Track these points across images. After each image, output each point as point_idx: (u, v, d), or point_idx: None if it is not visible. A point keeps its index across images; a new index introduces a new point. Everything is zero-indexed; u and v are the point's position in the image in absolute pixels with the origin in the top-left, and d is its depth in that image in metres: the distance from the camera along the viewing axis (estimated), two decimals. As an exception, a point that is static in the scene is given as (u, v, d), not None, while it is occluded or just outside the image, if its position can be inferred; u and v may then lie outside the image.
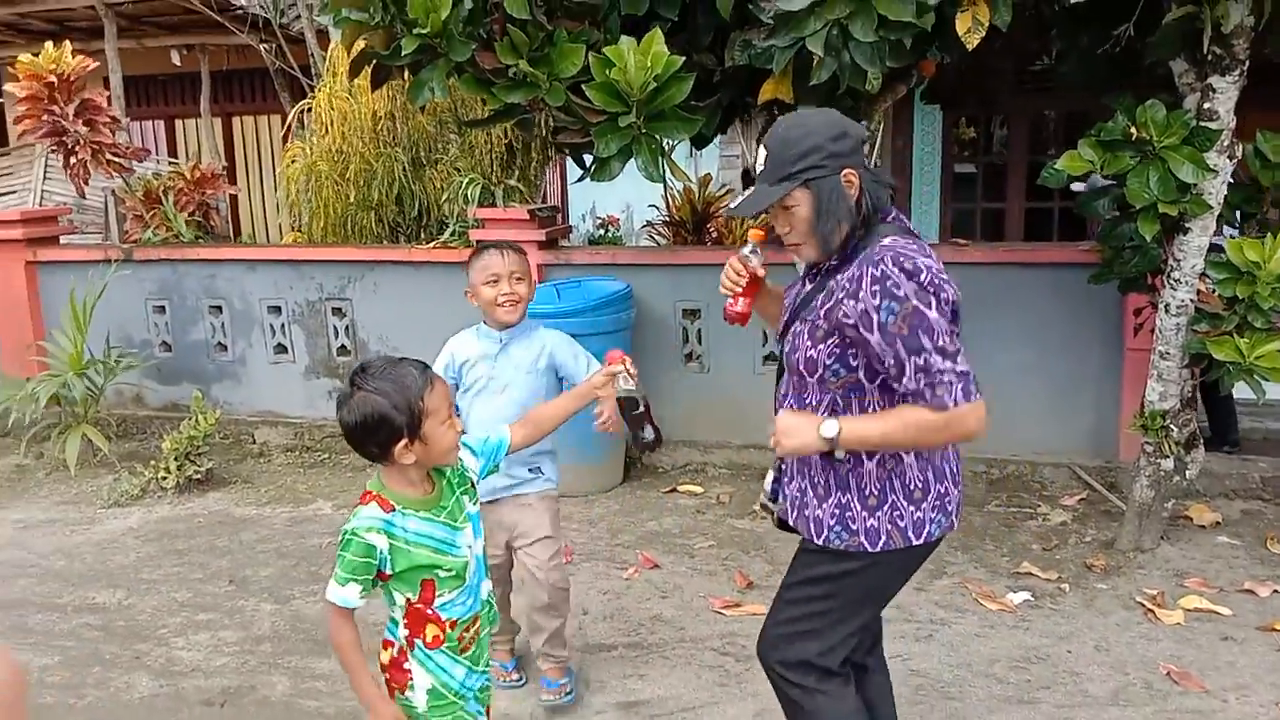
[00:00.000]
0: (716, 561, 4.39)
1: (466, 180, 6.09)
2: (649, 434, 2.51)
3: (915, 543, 2.19)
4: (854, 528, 2.19)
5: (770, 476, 2.45)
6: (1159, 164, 3.72)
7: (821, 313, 2.14)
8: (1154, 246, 4.02)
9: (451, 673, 2.16)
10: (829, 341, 2.13)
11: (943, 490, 2.21)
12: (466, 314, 3.17)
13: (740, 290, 2.34)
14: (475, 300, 3.11)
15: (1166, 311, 4.01)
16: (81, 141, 6.48)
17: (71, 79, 6.37)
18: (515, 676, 3.42)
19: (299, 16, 8.14)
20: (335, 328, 6.22)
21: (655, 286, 5.57)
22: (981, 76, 5.15)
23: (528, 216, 5.64)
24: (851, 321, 2.06)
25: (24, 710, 0.63)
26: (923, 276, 2.01)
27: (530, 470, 3.18)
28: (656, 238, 7.57)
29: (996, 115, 8.91)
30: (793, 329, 2.25)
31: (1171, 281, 3.97)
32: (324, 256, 6.25)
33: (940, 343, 2.01)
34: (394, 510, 2.07)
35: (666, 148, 3.65)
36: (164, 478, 5.40)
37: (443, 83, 3.48)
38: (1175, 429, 4.11)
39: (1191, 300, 3.95)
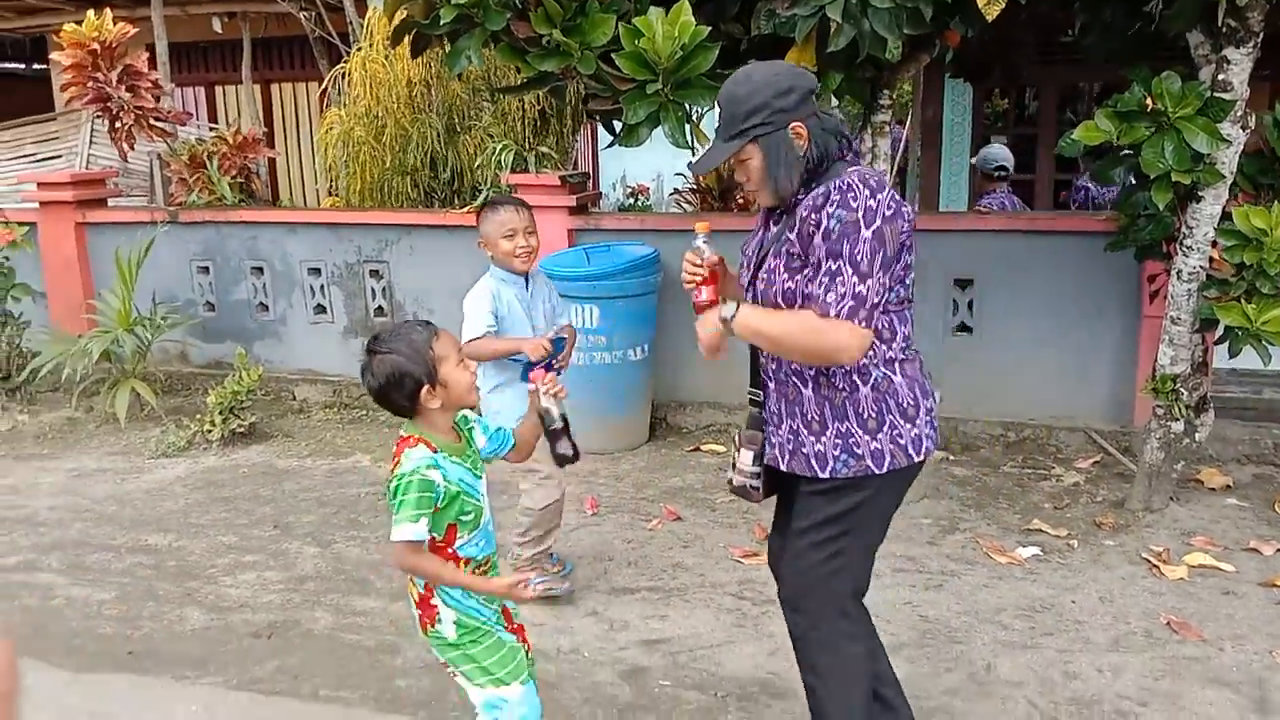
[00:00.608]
0: (736, 515, 4.56)
1: (500, 146, 6.25)
2: (566, 449, 2.57)
3: (916, 459, 2.35)
4: (859, 452, 2.32)
5: (748, 457, 2.52)
6: (1174, 134, 3.82)
7: (794, 238, 2.29)
8: (1168, 215, 4.12)
9: (470, 606, 2.35)
10: (805, 270, 2.27)
11: (929, 406, 2.39)
12: (499, 276, 3.39)
13: (702, 280, 2.47)
14: (491, 251, 3.45)
15: (1179, 278, 4.11)
16: (125, 107, 6.69)
17: (113, 46, 6.56)
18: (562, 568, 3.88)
19: (337, -16, 8.30)
20: (372, 289, 6.42)
21: (681, 251, 5.70)
22: (1006, 49, 5.22)
23: (559, 182, 5.79)
24: (818, 230, 2.22)
25: (15, 704, 0.59)
26: (881, 195, 2.20)
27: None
28: (684, 205, 7.70)
29: (1024, 87, 8.95)
30: (765, 266, 2.39)
31: (1184, 248, 4.07)
32: (362, 220, 6.44)
33: (859, 260, 2.17)
34: (437, 452, 2.26)
35: (694, 115, 3.78)
36: (209, 431, 5.64)
37: (479, 51, 3.64)
38: (1185, 392, 4.22)
39: (1203, 267, 4.05)
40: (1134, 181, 4.15)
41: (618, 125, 3.87)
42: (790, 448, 2.42)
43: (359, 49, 7.05)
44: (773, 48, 3.78)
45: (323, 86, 7.79)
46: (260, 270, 6.64)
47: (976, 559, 4.04)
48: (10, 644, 0.62)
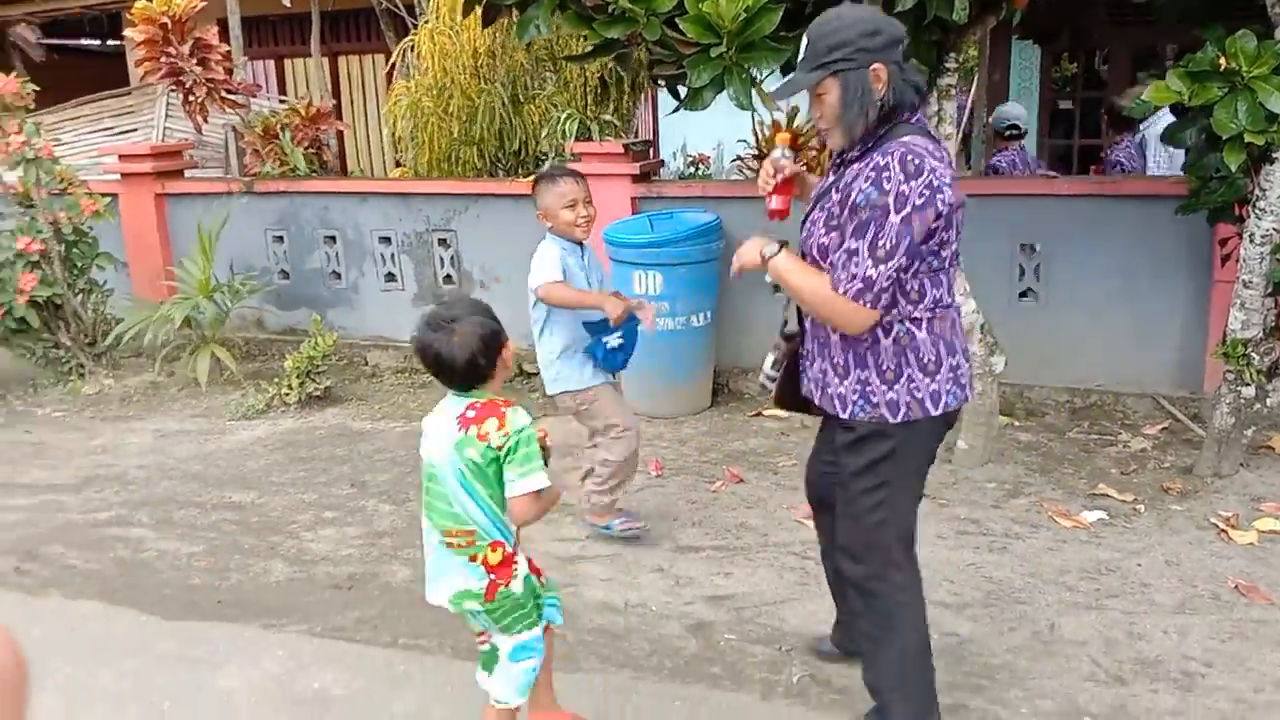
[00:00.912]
0: (799, 478, 4.57)
1: (565, 115, 6.32)
2: None
3: (934, 413, 2.44)
4: (875, 400, 2.44)
5: (770, 359, 2.79)
6: (1248, 94, 3.77)
7: (836, 199, 2.40)
8: (1240, 176, 4.06)
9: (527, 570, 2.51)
10: (836, 233, 2.38)
11: (955, 364, 2.47)
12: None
13: (774, 189, 2.65)
14: (550, 222, 3.61)
15: (1251, 241, 4.06)
16: (197, 80, 6.88)
17: (184, 20, 6.74)
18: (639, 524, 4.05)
19: (403, -43, 8.40)
20: (441, 258, 6.56)
21: (744, 218, 5.73)
22: (1076, 10, 5.15)
23: (622, 150, 5.86)
24: (850, 203, 2.33)
25: (24, 697, 0.59)
26: (918, 181, 2.24)
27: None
28: (745, 171, 7.71)
29: (1094, 49, 8.77)
30: (810, 216, 2.51)
31: (1257, 211, 4.02)
32: (430, 190, 6.57)
33: (879, 245, 2.26)
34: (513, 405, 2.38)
35: (757, 79, 3.81)
36: (286, 394, 5.84)
37: (547, 19, 3.71)
38: (1257, 357, 4.18)
39: (1276, 229, 3.99)
40: (1205, 143, 4.09)
41: (682, 91, 3.92)
42: (820, 384, 2.57)
43: (426, 22, 7.14)
44: (838, 11, 3.79)
45: (391, 60, 7.91)
46: (333, 239, 6.81)
47: (1041, 522, 4.06)
48: (9, 633, 0.60)
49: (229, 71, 7.13)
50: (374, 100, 10.86)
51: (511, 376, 2.36)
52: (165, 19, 6.69)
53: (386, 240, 6.67)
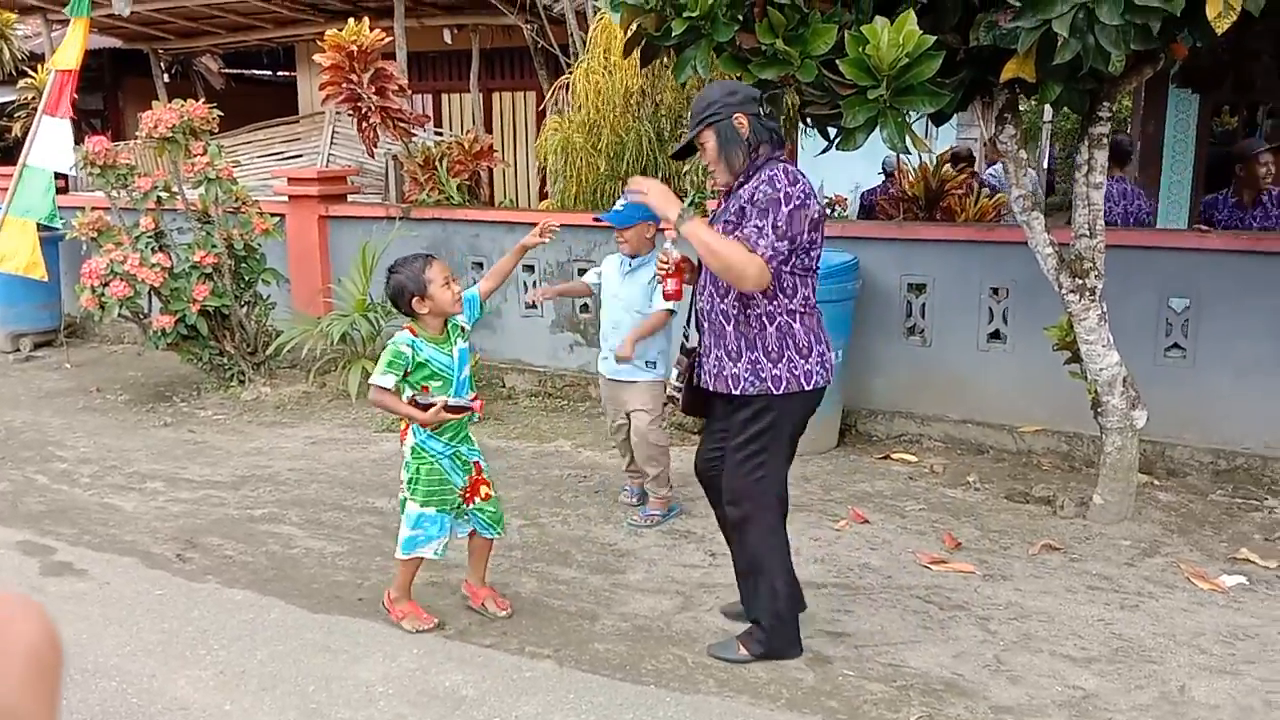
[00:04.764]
0: (926, 523, 4.60)
1: (708, 155, 6.46)
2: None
3: (806, 388, 3.19)
4: (763, 376, 3.18)
5: (674, 374, 3.56)
6: None
7: (734, 211, 3.17)
8: None
9: (429, 442, 3.50)
10: (738, 229, 3.09)
11: (821, 351, 3.24)
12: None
13: (668, 274, 3.39)
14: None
15: None
16: (373, 107, 7.30)
17: (368, 51, 7.18)
18: (633, 501, 4.78)
19: (560, -2, 8.76)
20: (580, 286, 6.75)
21: (881, 260, 5.77)
22: (1239, 60, 5.02)
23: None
24: (751, 202, 3.08)
25: (59, 675, 0.59)
26: (797, 187, 3.07)
27: (646, 364, 4.52)
28: (886, 213, 7.72)
29: (1259, 102, 8.46)
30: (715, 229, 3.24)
31: None
32: (573, 221, 6.78)
33: (779, 224, 3.03)
34: (417, 337, 3.44)
35: (909, 121, 3.87)
36: (428, 409, 6.11)
37: (705, 61, 3.86)
38: None
39: None
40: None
41: (833, 132, 4.01)
42: (715, 371, 3.29)
43: (582, 62, 7.42)
44: (991, 58, 3.83)
45: (548, 97, 8.23)
46: (480, 265, 7.10)
47: (1176, 583, 3.95)
48: (50, 623, 0.62)
49: (403, 102, 7.55)
50: (524, 134, 11.27)
51: (443, 315, 3.50)
52: (352, 48, 7.13)
53: (530, 269, 6.92)
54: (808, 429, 5.69)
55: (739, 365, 3.20)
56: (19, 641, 0.62)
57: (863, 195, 8.98)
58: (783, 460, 3.34)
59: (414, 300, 3.43)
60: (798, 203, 3.04)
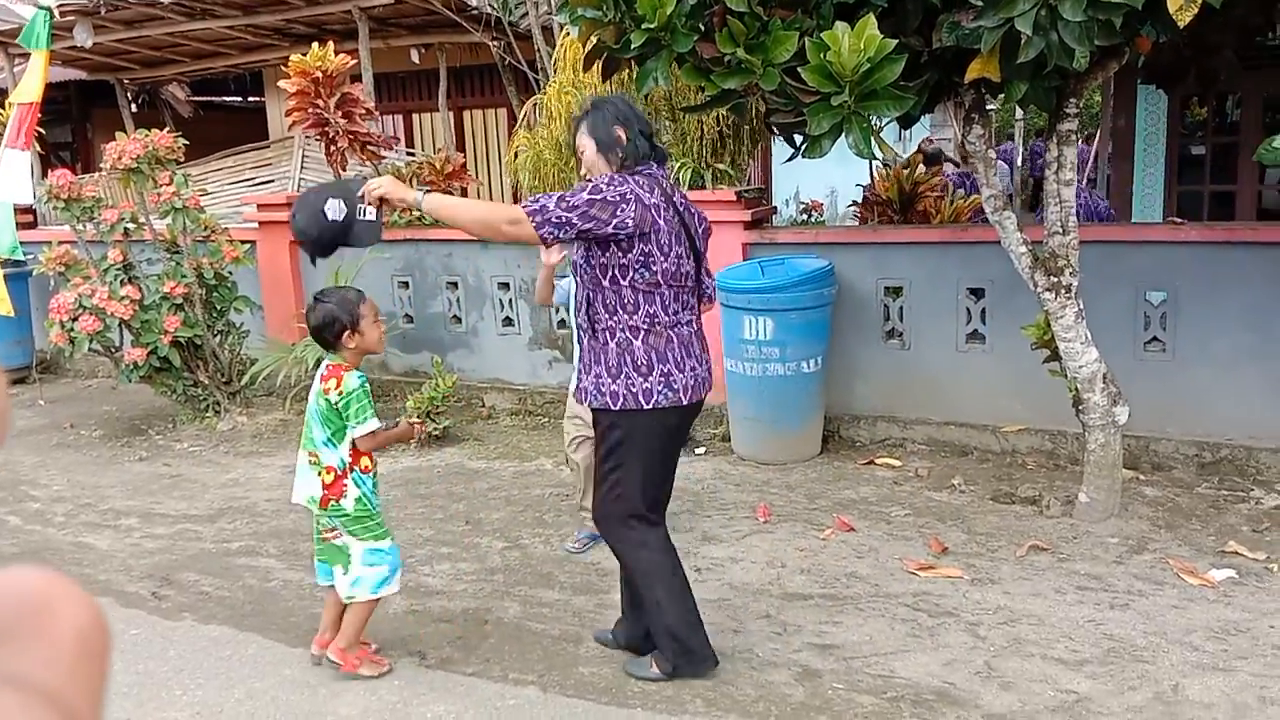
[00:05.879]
0: (913, 529, 4.55)
1: (678, 165, 6.43)
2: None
3: (645, 406, 3.11)
4: (604, 391, 3.16)
5: (574, 384, 3.49)
6: (1389, 137, 3.62)
7: None
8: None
9: (370, 491, 3.36)
10: None
11: (666, 370, 3.13)
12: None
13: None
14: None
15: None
16: (340, 131, 7.23)
17: (334, 75, 7.11)
18: (577, 549, 4.43)
19: (525, 15, 8.72)
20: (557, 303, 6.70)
21: (857, 264, 5.74)
22: (1202, 53, 5.02)
23: (734, 198, 5.93)
24: None
25: (108, 662, 0.57)
26: (616, 187, 3.01)
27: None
28: (863, 214, 7.71)
29: (1222, 94, 8.50)
30: None
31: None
32: (547, 236, 6.74)
33: (569, 198, 3.00)
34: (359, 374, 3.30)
35: (876, 126, 3.84)
36: (406, 433, 6.04)
37: (666, 72, 3.81)
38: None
39: None
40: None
41: (799, 139, 3.97)
42: (577, 383, 3.32)
43: (554, 80, 7.38)
44: (955, 59, 3.80)
45: (521, 116, 8.18)
46: (455, 285, 7.04)
47: (1166, 580, 3.91)
48: (98, 610, 0.58)
49: (369, 125, 7.48)
50: (496, 152, 11.23)
51: (366, 354, 3.41)
52: (318, 73, 7.06)
53: (505, 286, 6.86)
54: (789, 437, 5.74)
55: (587, 379, 3.21)
56: (67, 624, 0.56)
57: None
58: (639, 478, 3.20)
59: (344, 334, 3.26)
60: (607, 197, 2.98)
